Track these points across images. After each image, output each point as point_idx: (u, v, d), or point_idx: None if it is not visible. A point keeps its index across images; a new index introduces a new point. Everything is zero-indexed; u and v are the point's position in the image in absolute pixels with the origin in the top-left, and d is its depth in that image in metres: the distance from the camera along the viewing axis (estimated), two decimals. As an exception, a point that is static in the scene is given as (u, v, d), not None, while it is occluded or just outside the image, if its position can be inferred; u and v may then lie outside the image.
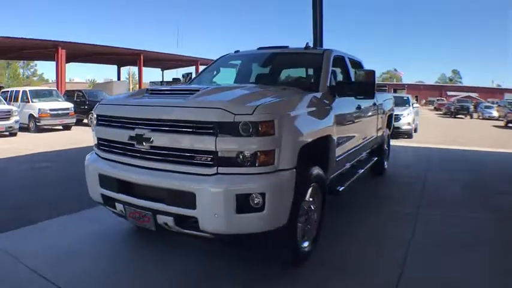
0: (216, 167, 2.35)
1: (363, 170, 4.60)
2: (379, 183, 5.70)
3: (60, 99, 15.58)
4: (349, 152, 3.93)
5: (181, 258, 3.00)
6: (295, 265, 2.80)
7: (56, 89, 18.75)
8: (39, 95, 15.24)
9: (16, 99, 14.87)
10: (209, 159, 2.36)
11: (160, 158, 2.55)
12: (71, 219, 3.91)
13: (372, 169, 5.95)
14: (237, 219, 2.30)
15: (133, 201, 2.64)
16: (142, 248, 3.22)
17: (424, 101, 56.12)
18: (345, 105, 3.68)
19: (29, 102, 14.45)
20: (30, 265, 2.83)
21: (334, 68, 3.85)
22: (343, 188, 3.65)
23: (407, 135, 12.19)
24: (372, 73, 3.49)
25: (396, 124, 11.86)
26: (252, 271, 2.78)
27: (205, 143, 2.35)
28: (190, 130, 2.41)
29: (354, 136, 4.05)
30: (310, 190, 2.86)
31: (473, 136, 15.00)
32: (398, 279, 2.63)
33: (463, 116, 31.37)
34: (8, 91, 16.06)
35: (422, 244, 3.25)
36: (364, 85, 3.50)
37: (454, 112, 32.56)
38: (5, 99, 14.41)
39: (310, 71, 3.80)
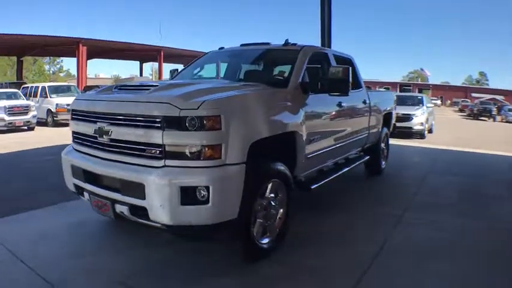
0: (163, 160, 2.40)
1: (347, 169, 4.53)
2: (374, 183, 5.58)
3: (77, 95, 16.10)
4: (328, 149, 3.87)
5: (146, 246, 3.12)
6: (252, 259, 2.79)
7: (74, 84, 19.39)
8: (57, 90, 15.77)
9: (35, 95, 15.47)
10: (157, 152, 2.41)
11: (118, 150, 2.63)
12: (58, 209, 4.08)
13: (367, 168, 5.89)
14: (182, 211, 2.33)
15: (96, 191, 2.74)
16: (115, 234, 3.36)
17: (449, 102, 54.46)
18: (321, 102, 3.63)
19: (47, 97, 14.95)
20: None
21: (315, 65, 3.79)
22: (316, 185, 3.61)
23: (420, 135, 11.89)
24: (346, 70, 3.44)
25: (408, 124, 11.70)
26: (205, 265, 2.80)
27: (154, 136, 2.40)
28: (141, 124, 2.48)
29: (333, 134, 3.99)
30: (270, 186, 2.85)
31: (490, 139, 14.40)
32: (355, 285, 2.55)
33: (485, 119, 30.25)
34: (28, 87, 16.72)
35: (394, 249, 3.13)
36: (338, 82, 3.45)
37: (476, 114, 31.44)
38: (25, 95, 15.03)
39: (287, 68, 3.77)
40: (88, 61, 30.96)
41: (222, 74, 4.29)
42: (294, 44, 3.98)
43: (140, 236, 3.26)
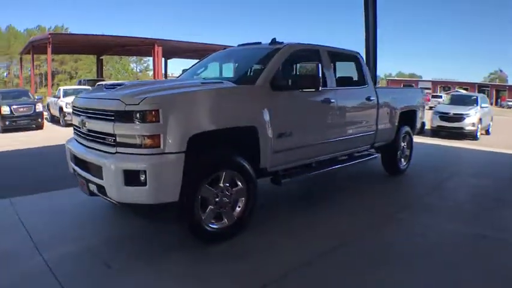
0: (115, 147, 2.86)
1: (339, 166, 4.56)
2: (388, 182, 5.45)
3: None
4: (310, 145, 3.96)
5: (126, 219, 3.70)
6: (202, 241, 3.10)
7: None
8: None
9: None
10: (112, 140, 2.88)
11: (91, 138, 3.18)
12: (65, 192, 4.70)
13: (384, 167, 5.75)
14: (125, 190, 2.76)
15: (79, 172, 3.32)
16: (105, 209, 3.96)
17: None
18: (295, 99, 3.74)
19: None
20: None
21: (302, 63, 3.86)
22: (287, 180, 3.76)
23: (472, 136, 10.91)
24: (315, 66, 3.53)
25: (459, 124, 10.91)
26: (170, 241, 3.21)
27: (109, 127, 2.88)
28: (102, 117, 2.97)
29: (316, 130, 4.06)
30: (224, 175, 3.13)
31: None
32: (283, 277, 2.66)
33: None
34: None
35: (347, 251, 3.10)
36: (307, 78, 3.56)
37: None
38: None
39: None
40: (169, 60, 33.57)
41: (219, 72, 4.64)
42: (281, 43, 4.15)
43: (124, 217, 3.79)
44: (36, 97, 15.72)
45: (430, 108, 17.96)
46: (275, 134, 3.50)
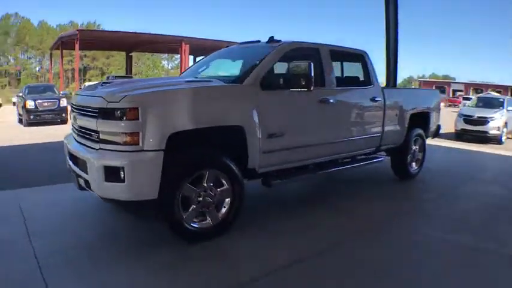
0: (99, 143, 2.94)
1: (339, 169, 4.47)
2: (395, 186, 5.31)
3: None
4: (304, 147, 3.90)
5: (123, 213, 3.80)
6: (183, 239, 3.13)
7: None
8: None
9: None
10: (96, 137, 2.96)
11: (81, 134, 3.28)
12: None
13: (393, 171, 5.59)
14: (105, 186, 2.84)
15: (72, 166, 3.44)
16: (105, 203, 3.96)
17: None
18: (289, 98, 3.70)
19: None
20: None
21: (294, 62, 3.79)
22: (278, 181, 3.73)
23: (497, 140, 10.42)
24: (307, 65, 3.46)
25: (483, 128, 10.55)
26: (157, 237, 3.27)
27: (93, 124, 2.97)
28: (88, 114, 3.07)
29: (311, 131, 3.99)
30: (207, 175, 3.15)
31: None
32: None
33: None
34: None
35: (347, 259, 3.01)
36: (297, 77, 3.50)
37: None
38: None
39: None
40: (197, 58, 34.07)
41: (217, 69, 4.64)
42: (278, 41, 4.10)
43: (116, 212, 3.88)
44: (61, 92, 16.40)
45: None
46: (264, 134, 3.47)
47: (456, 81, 56.39)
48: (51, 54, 32.47)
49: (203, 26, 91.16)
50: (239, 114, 3.31)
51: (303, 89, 3.52)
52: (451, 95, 46.77)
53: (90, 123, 3.04)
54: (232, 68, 4.39)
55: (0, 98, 27.56)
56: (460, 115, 11.77)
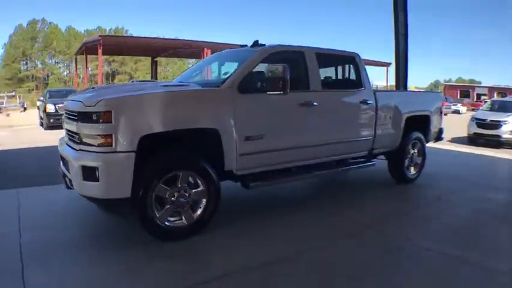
0: (79, 145, 3.17)
1: (324, 172, 4.51)
2: (389, 190, 5.28)
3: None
4: (286, 150, 3.98)
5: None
6: (157, 237, 3.29)
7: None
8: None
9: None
10: (77, 138, 3.19)
11: (68, 136, 3.53)
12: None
13: (390, 174, 5.57)
14: (83, 185, 3.07)
15: (61, 167, 3.69)
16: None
17: None
18: (268, 101, 3.78)
19: None
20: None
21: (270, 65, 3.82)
22: (257, 183, 3.83)
23: (509, 145, 10.14)
24: (283, 68, 3.56)
25: (496, 132, 10.28)
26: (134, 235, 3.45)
27: (74, 126, 3.22)
28: (71, 117, 3.32)
29: (292, 134, 4.06)
30: (181, 176, 3.30)
31: None
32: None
33: None
34: None
35: (316, 263, 3.03)
36: (273, 81, 3.60)
37: None
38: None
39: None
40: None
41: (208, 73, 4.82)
42: (262, 45, 4.21)
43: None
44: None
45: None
46: (241, 137, 3.59)
47: (481, 85, 54.83)
48: (76, 59, 33.79)
49: (232, 31, 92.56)
50: (213, 117, 3.45)
51: (278, 93, 3.60)
52: (475, 99, 45.30)
53: (72, 126, 3.29)
54: (217, 72, 4.54)
55: (26, 101, 28.96)
56: (473, 119, 11.48)
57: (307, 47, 4.42)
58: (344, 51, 4.93)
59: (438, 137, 6.18)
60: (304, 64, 4.28)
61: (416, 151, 5.66)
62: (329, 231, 3.71)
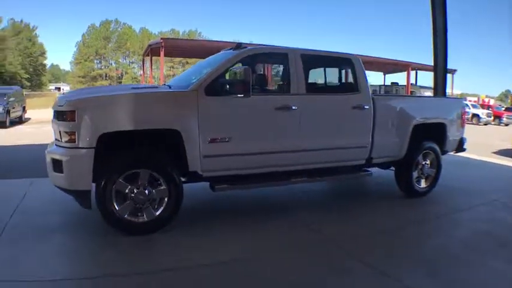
0: (56, 140, 3.63)
1: (304, 179, 4.42)
2: (387, 203, 4.99)
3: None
4: (260, 154, 4.02)
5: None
6: (120, 230, 3.57)
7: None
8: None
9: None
10: (56, 134, 3.60)
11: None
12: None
13: (398, 187, 5.27)
14: (53, 175, 3.51)
15: None
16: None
17: None
18: (237, 104, 3.85)
19: None
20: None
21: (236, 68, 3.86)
22: (222, 187, 3.92)
23: None
24: (244, 70, 3.62)
25: None
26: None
27: (53, 124, 3.64)
28: (53, 115, 3.71)
29: (272, 138, 4.10)
30: (140, 174, 3.54)
31: None
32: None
33: None
34: None
35: (256, 273, 3.00)
36: (237, 83, 3.67)
37: None
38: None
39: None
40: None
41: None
42: (244, 47, 4.28)
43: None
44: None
45: None
46: (205, 139, 3.73)
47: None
48: (143, 60, 36.42)
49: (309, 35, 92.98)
50: (174, 119, 3.64)
51: (240, 96, 3.66)
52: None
53: (52, 123, 3.70)
54: (197, 75, 4.70)
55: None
56: None
57: (294, 48, 4.39)
58: (340, 53, 4.79)
59: (459, 148, 5.67)
60: (286, 67, 4.27)
61: (428, 162, 5.28)
62: (292, 241, 3.62)
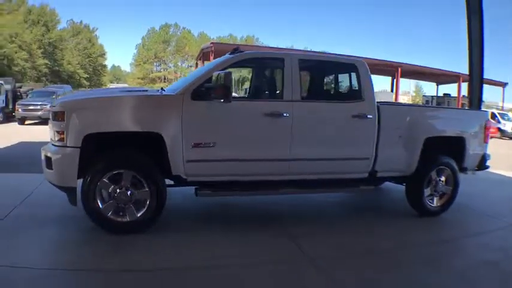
0: (51, 139, 3.88)
1: (292, 190, 4.29)
2: (387, 221, 4.70)
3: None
4: (247, 161, 3.98)
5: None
6: (103, 228, 3.73)
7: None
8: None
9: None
10: (51, 133, 3.89)
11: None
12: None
13: (409, 204, 4.94)
14: (46, 171, 3.79)
15: None
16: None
17: None
18: (223, 109, 3.86)
19: None
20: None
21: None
22: (204, 192, 3.94)
23: None
24: (225, 75, 3.63)
25: None
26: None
27: (49, 123, 3.92)
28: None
29: (261, 145, 4.05)
30: (124, 174, 3.70)
31: None
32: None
33: None
34: None
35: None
36: (217, 88, 3.69)
37: None
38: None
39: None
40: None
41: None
42: (241, 51, 4.27)
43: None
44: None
45: None
46: (189, 144, 3.79)
47: None
48: (196, 63, 37.82)
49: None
50: (157, 122, 3.74)
51: (221, 100, 3.67)
52: None
53: (49, 123, 3.99)
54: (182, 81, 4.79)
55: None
56: None
57: (291, 53, 4.30)
58: (343, 57, 4.62)
59: (481, 165, 5.15)
60: (280, 72, 4.19)
61: (443, 179, 4.87)
62: (270, 254, 3.51)
